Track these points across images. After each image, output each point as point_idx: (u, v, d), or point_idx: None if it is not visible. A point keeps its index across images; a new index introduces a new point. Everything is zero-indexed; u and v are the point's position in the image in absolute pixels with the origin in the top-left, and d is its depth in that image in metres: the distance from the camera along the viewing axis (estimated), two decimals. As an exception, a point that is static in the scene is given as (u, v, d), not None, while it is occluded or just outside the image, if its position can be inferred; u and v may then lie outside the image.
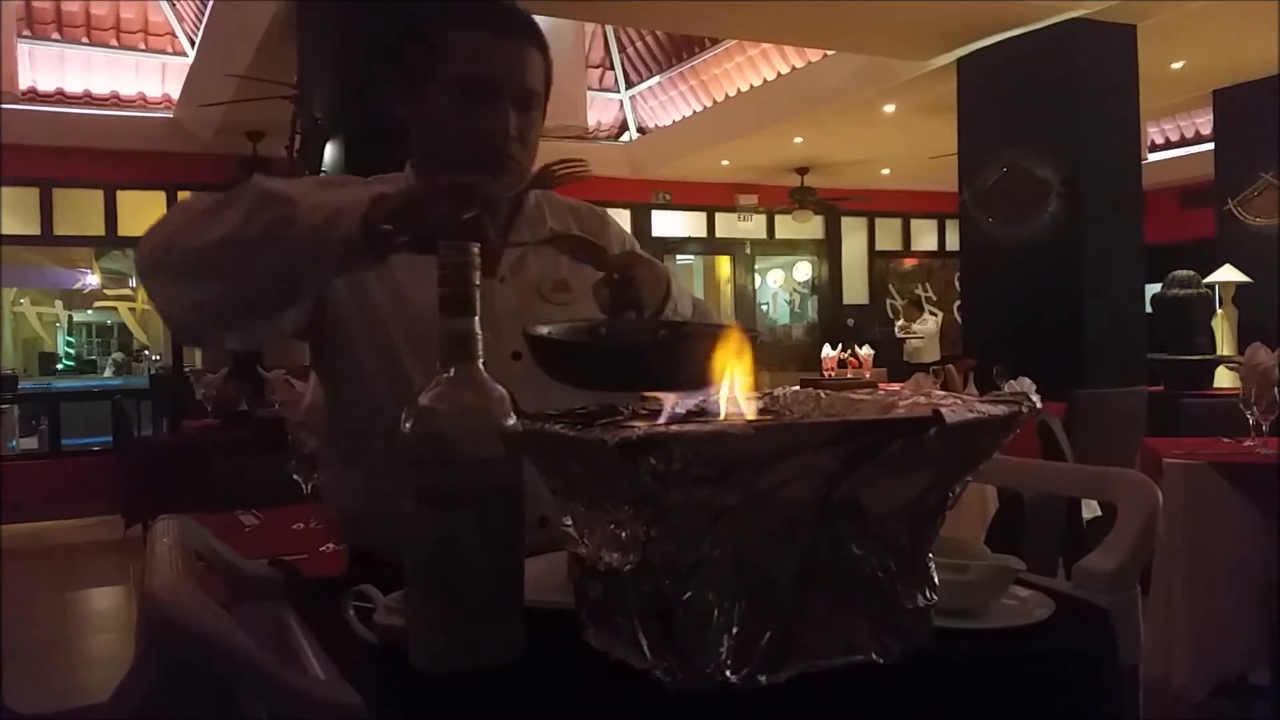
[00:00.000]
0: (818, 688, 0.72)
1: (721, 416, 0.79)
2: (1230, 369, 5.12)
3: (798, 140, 8.95)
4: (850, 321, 11.26)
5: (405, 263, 1.00)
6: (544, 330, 0.95)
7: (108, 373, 10.12)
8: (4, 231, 8.03)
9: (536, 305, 1.25)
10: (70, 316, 10.24)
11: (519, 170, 1.22)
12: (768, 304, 11.95)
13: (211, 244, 1.02)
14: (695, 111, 8.99)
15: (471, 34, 1.19)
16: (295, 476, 2.14)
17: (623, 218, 9.46)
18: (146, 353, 9.98)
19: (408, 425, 0.78)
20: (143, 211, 8.65)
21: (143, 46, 8.20)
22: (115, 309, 10.18)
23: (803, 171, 10.17)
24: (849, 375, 7.57)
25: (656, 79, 9.08)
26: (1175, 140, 9.74)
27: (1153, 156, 9.27)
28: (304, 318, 1.19)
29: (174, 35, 8.14)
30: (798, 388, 0.93)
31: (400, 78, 1.24)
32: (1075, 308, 5.78)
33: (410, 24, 1.25)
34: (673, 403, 0.81)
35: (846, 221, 11.56)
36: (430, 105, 1.21)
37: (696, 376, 0.80)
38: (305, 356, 1.35)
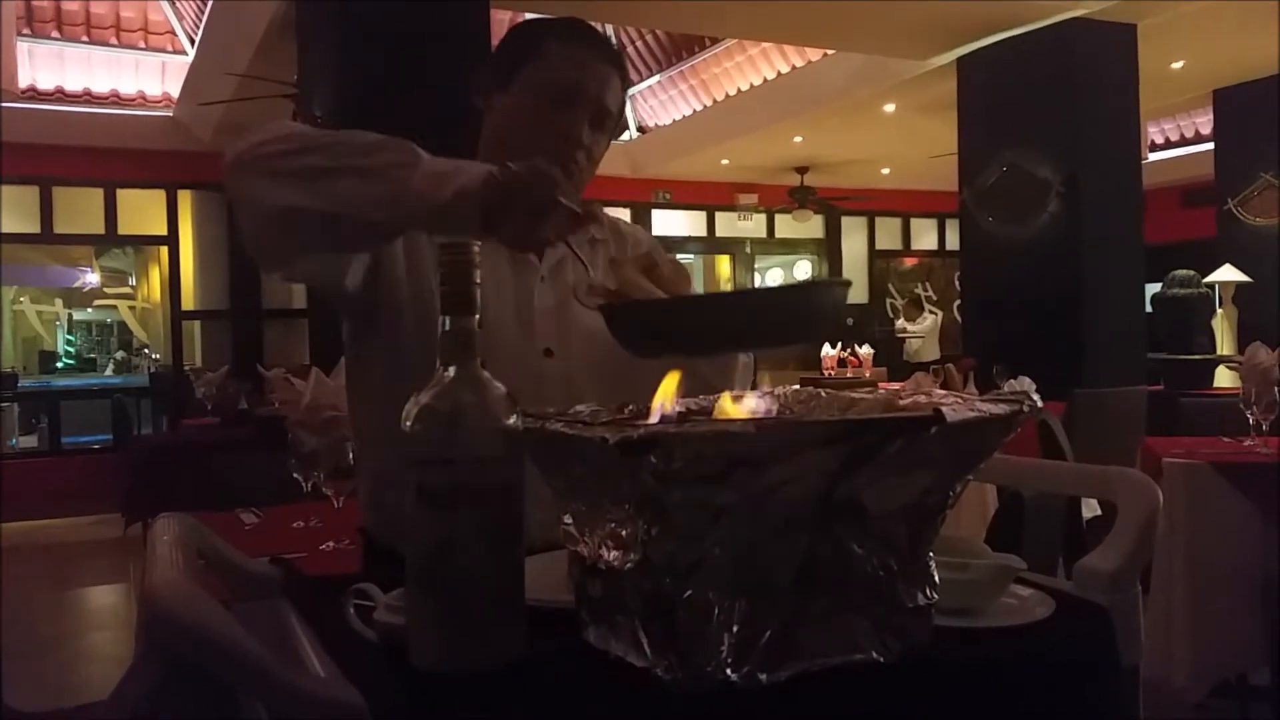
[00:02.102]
0: (818, 687, 0.72)
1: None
2: (1230, 368, 5.12)
3: (798, 139, 8.94)
4: (850, 321, 11.25)
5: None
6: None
7: (108, 371, 10.12)
8: (4, 230, 8.03)
9: (572, 306, 1.31)
10: (70, 315, 10.23)
11: (579, 178, 1.32)
12: (768, 303, 11.95)
13: (327, 145, 1.03)
14: (695, 111, 8.98)
15: (567, 46, 1.31)
16: (295, 475, 2.14)
17: (622, 217, 9.45)
18: (146, 351, 9.97)
19: (408, 424, 0.78)
20: (142, 210, 8.65)
21: (142, 45, 8.20)
22: (115, 307, 10.17)
23: (803, 171, 10.16)
24: (849, 374, 7.58)
25: (656, 78, 9.07)
26: (1175, 140, 9.74)
27: (1153, 156, 9.26)
28: (362, 275, 1.22)
29: (174, 34, 8.13)
30: (798, 386, 0.92)
31: (493, 74, 1.33)
32: (1075, 307, 5.78)
33: (514, 30, 1.40)
34: (666, 405, 0.80)
35: (846, 221, 11.57)
36: (515, 103, 1.30)
37: (794, 329, 0.87)
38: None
